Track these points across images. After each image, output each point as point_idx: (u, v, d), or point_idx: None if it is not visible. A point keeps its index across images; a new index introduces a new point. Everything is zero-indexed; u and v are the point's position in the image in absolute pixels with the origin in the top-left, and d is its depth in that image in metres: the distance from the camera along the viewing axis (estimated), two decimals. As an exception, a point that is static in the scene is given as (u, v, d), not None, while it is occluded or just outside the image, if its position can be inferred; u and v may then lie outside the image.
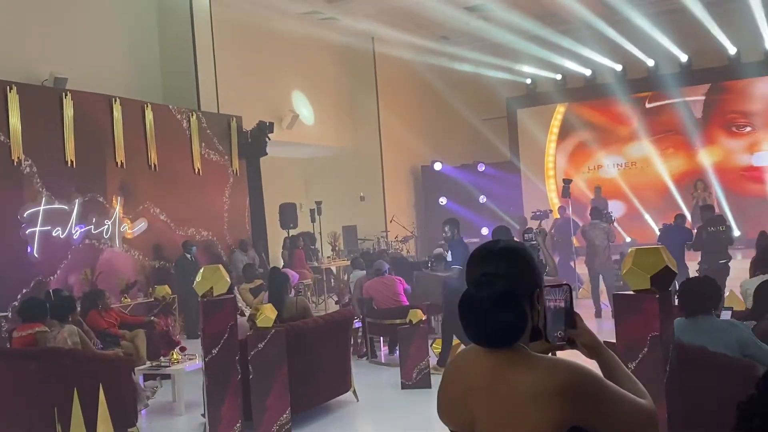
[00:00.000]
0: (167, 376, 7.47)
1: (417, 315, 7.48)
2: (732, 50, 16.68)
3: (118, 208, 10.98)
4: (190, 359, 7.36)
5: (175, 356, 7.30)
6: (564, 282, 1.84)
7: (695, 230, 11.10)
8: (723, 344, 4.14)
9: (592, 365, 1.71)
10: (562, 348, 1.77)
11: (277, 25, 15.28)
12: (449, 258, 8.54)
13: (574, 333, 1.75)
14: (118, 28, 12.56)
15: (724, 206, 16.25)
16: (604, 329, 9.02)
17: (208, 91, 13.32)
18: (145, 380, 7.38)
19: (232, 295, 5.66)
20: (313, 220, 15.49)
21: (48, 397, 5.76)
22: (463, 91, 19.05)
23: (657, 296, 3.77)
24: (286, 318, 6.81)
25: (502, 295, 1.63)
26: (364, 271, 10.13)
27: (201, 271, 5.56)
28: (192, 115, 12.55)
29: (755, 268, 7.06)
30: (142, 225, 11.44)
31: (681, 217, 11.06)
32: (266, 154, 13.78)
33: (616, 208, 13.08)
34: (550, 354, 1.74)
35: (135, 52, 12.85)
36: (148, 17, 13.24)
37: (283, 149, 15.75)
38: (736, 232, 16.11)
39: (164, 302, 9.60)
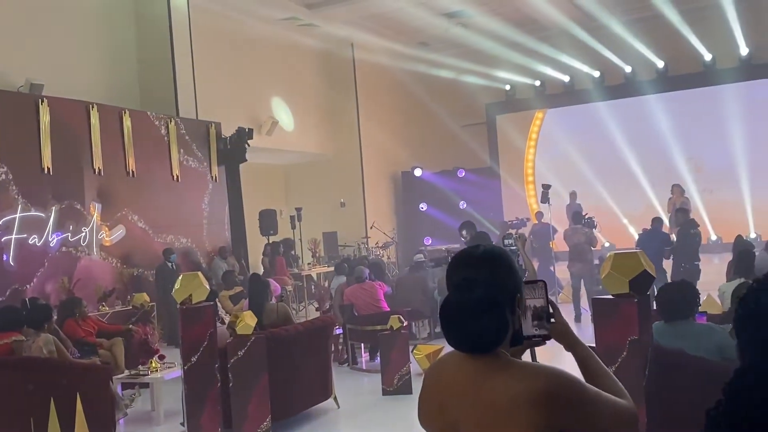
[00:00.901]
0: (146, 385, 7.40)
1: (397, 321, 7.48)
2: (707, 57, 16.92)
3: (95, 216, 10.87)
4: (169, 367, 7.30)
5: (153, 364, 7.22)
6: (539, 279, 1.84)
7: (673, 234, 11.21)
8: (702, 348, 4.17)
9: (573, 369, 1.72)
10: (538, 344, 1.77)
11: (256, 31, 15.25)
12: None
13: (550, 328, 1.76)
14: (96, 34, 12.46)
15: (701, 210, 16.44)
16: (584, 334, 9.07)
17: (187, 98, 13.25)
18: (123, 389, 7.30)
19: (212, 303, 5.62)
20: (293, 227, 15.44)
21: (24, 406, 5.67)
22: (442, 98, 19.13)
23: (635, 300, 3.80)
24: (267, 324, 6.78)
25: (483, 301, 1.63)
26: (345, 278, 10.11)
27: (180, 278, 5.53)
28: (170, 121, 12.47)
29: (732, 272, 7.15)
30: (120, 232, 11.33)
31: (658, 220, 11.16)
32: (246, 160, 13.72)
33: (594, 212, 13.15)
34: (527, 350, 1.75)
35: (112, 58, 12.75)
36: (126, 23, 13.15)
37: (263, 155, 15.70)
38: (713, 237, 16.31)
39: (143, 310, 9.51)
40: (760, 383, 1.26)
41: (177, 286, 5.48)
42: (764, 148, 16.82)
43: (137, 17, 13.32)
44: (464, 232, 8.62)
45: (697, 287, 4.73)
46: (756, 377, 1.27)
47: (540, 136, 19.42)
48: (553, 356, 1.80)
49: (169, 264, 11.25)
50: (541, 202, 13.27)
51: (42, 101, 10.14)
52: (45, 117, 10.11)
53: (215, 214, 13.30)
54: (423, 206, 18.82)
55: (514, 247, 6.68)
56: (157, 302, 10.57)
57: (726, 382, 1.32)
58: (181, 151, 12.64)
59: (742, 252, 7.15)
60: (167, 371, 7.19)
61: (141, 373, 7.21)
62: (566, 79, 18.64)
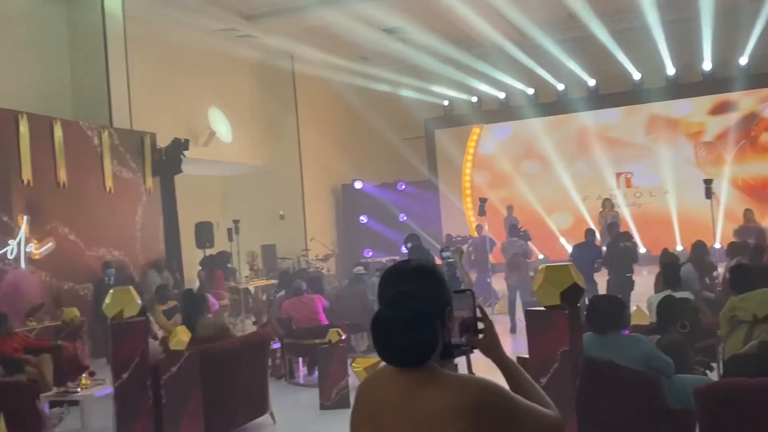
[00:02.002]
0: (75, 403, 7.16)
1: (336, 334, 7.46)
2: (636, 76, 17.54)
3: (23, 228, 10.50)
4: (99, 384, 7.09)
5: (83, 381, 7.00)
6: (467, 288, 1.88)
7: (604, 247, 11.52)
8: (630, 358, 4.31)
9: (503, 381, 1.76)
10: (465, 353, 1.80)
11: (194, 41, 15.05)
12: None
13: (476, 341, 1.79)
14: (26, 40, 12.08)
15: (630, 224, 16.97)
16: (520, 345, 9.22)
17: (121, 107, 12.96)
18: (51, 407, 7.05)
19: (143, 318, 5.50)
20: (230, 239, 15.22)
21: (-57, 428, 5.42)
22: (382, 111, 19.24)
23: (566, 312, 3.90)
24: (203, 336, 6.65)
25: (413, 315, 1.65)
26: (284, 291, 10.02)
27: (111, 292, 5.40)
28: (104, 131, 12.18)
29: (660, 284, 7.40)
30: (49, 245, 10.98)
31: (591, 232, 11.44)
32: (181, 171, 13.51)
33: (529, 225, 13.45)
34: (465, 361, 1.78)
35: (43, 66, 12.39)
36: (58, 31, 12.80)
37: (200, 167, 15.47)
38: (642, 249, 16.85)
39: (73, 325, 9.21)
40: None
41: (107, 300, 5.36)
42: (689, 164, 17.53)
43: (70, 24, 12.98)
44: (409, 245, 8.71)
45: (627, 299, 4.88)
46: None
47: (477, 150, 19.75)
48: (490, 368, 1.83)
49: (106, 279, 10.91)
50: (479, 215, 13.49)
51: (-33, 109, 9.78)
52: (-30, 125, 9.75)
53: (149, 227, 13.03)
54: (363, 219, 18.87)
55: (452, 260, 6.76)
56: (94, 318, 10.25)
57: None
58: (115, 161, 12.35)
59: (669, 265, 7.41)
60: (97, 388, 6.98)
61: (70, 390, 6.97)
62: (502, 95, 19.03)
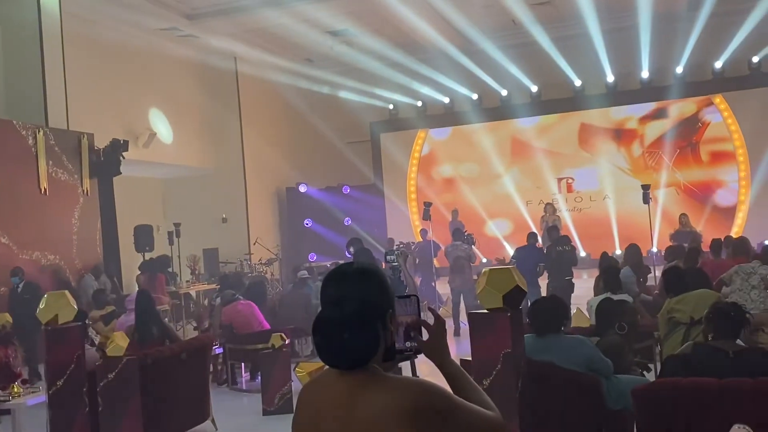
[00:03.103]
0: (6, 411, 6.89)
1: (279, 339, 7.37)
2: (577, 83, 17.93)
3: (-49, 231, 10.08)
4: (33, 392, 6.83)
5: (15, 389, 6.74)
6: (411, 294, 1.87)
7: (545, 250, 11.73)
8: (571, 360, 4.37)
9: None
10: (409, 358, 1.79)
11: (134, 40, 14.73)
12: None
13: (422, 345, 1.79)
14: (-45, 35, 11.64)
15: (571, 228, 17.32)
16: (463, 347, 9.28)
17: (57, 107, 12.57)
18: (-21, 417, 6.77)
19: (79, 323, 5.33)
20: (171, 243, 14.92)
21: None
22: (328, 114, 19.21)
23: (508, 314, 3.93)
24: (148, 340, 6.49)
25: (353, 317, 1.64)
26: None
27: (45, 297, 5.21)
28: (39, 131, 11.80)
29: (600, 287, 7.54)
30: (-21, 249, 10.55)
31: (533, 235, 11.64)
32: (120, 173, 13.19)
33: (473, 229, 13.59)
34: (408, 364, 1.77)
35: (-26, 63, 11.95)
36: (-10, 26, 12.37)
37: (139, 168, 15.14)
38: (582, 253, 17.23)
39: (4, 331, 8.86)
40: None
41: (42, 305, 5.17)
42: (628, 169, 18.00)
43: (3, 20, 12.54)
44: (351, 249, 8.63)
45: (567, 302, 4.95)
46: None
47: (422, 155, 19.87)
48: (434, 369, 1.82)
49: (14, 287, 10.41)
50: (423, 219, 13.55)
51: None
52: None
53: (86, 230, 12.66)
54: (308, 222, 18.76)
55: (396, 264, 6.75)
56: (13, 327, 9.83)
57: None
58: (50, 162, 11.98)
59: (608, 268, 7.56)
60: (30, 396, 6.73)
61: (1, 398, 6.71)
62: (446, 100, 19.21)
